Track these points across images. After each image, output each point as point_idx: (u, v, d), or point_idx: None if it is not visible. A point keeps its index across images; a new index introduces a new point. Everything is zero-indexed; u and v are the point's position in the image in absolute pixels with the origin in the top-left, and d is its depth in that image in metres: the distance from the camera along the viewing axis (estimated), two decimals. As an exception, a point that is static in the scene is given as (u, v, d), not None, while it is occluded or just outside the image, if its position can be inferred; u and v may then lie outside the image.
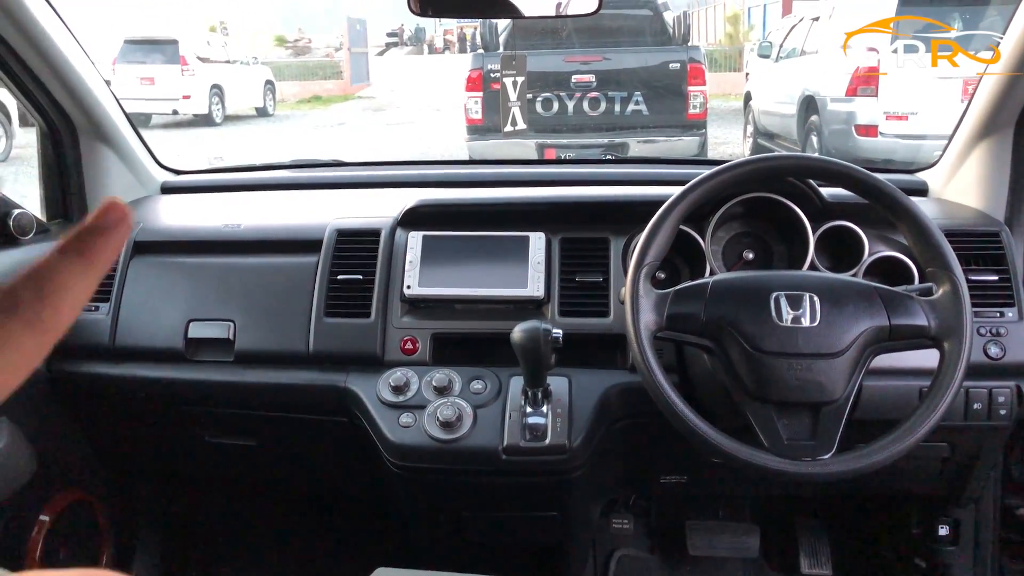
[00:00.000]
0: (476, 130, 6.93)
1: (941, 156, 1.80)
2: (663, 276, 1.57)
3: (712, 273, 1.47)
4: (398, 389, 1.47)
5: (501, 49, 7.04)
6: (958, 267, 1.23)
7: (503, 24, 7.09)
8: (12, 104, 8.59)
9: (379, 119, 14.17)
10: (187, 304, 1.62)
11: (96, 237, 0.40)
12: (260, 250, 1.66)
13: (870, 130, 6.26)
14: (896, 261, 1.49)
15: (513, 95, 6.58)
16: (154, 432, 1.78)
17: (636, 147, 6.66)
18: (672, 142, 6.73)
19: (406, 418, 1.44)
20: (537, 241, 1.56)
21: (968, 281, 1.24)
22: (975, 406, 1.45)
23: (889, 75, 6.13)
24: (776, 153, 1.47)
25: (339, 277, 1.58)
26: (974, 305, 1.24)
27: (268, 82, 15.08)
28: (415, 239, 1.58)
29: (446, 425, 1.41)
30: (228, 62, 14.15)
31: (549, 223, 1.60)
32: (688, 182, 1.32)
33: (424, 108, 14.68)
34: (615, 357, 1.52)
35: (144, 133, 1.98)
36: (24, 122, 8.50)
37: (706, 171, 1.32)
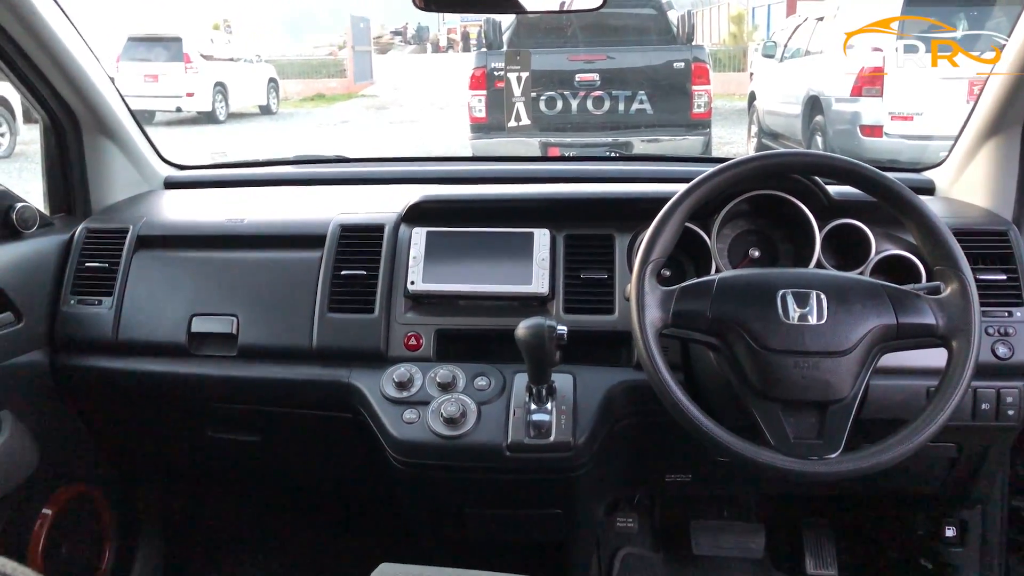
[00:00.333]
0: (480, 128, 6.92)
1: (948, 155, 1.79)
2: (668, 273, 1.56)
3: (718, 270, 1.46)
4: (402, 385, 1.46)
5: (505, 47, 7.03)
6: (967, 266, 1.22)
7: (507, 22, 7.09)
8: (16, 100, 8.61)
9: (382, 117, 14.16)
10: (190, 299, 1.61)
11: None
12: (263, 245, 1.66)
13: (875, 130, 6.25)
14: (903, 259, 1.48)
15: (517, 90, 6.57)
16: (156, 427, 1.77)
17: (640, 146, 6.64)
18: (676, 141, 6.72)
19: (410, 414, 1.43)
20: (542, 238, 1.55)
21: (976, 280, 1.23)
22: (983, 406, 1.44)
23: (893, 75, 6.12)
24: (783, 150, 1.46)
25: (343, 273, 1.57)
26: (982, 304, 1.23)
27: (272, 80, 15.08)
28: (419, 235, 1.57)
29: (450, 421, 1.40)
30: (232, 60, 14.15)
31: (554, 220, 1.59)
32: (694, 179, 1.31)
33: (427, 106, 14.68)
34: (620, 354, 1.51)
35: (148, 130, 1.98)
36: (28, 118, 8.52)
37: (712, 168, 1.31)
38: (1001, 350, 1.44)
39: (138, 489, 1.99)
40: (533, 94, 6.71)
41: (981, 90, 1.66)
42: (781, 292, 1.23)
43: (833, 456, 1.17)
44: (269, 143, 11.08)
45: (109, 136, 1.84)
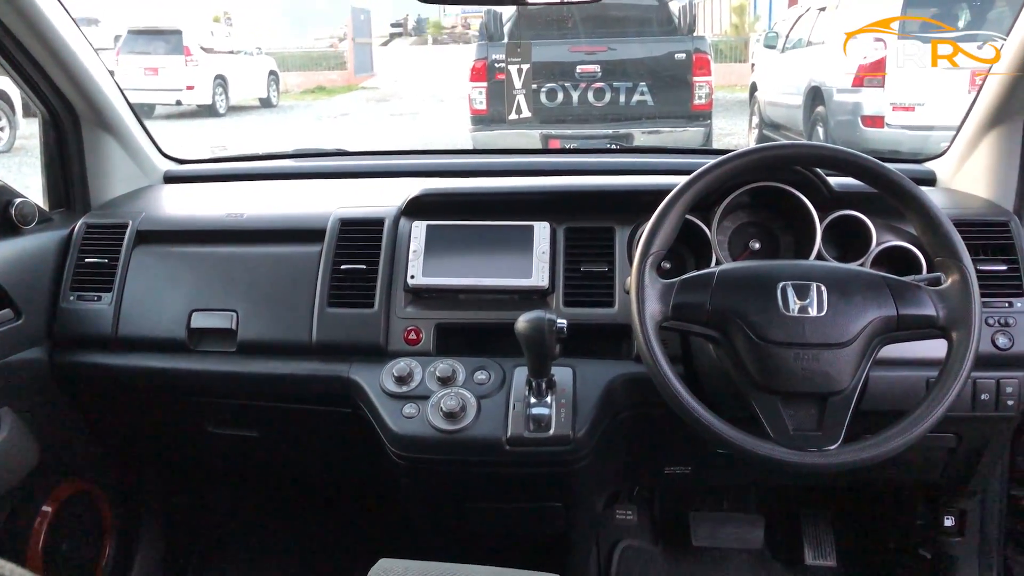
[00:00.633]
0: (480, 120, 6.91)
1: (950, 146, 1.78)
2: (668, 266, 1.56)
3: (718, 263, 1.46)
4: (401, 379, 1.46)
5: (505, 39, 7.01)
6: (967, 256, 1.22)
7: (507, 14, 7.07)
8: (16, 94, 8.60)
9: (383, 109, 14.13)
10: (190, 294, 1.61)
11: None
12: (263, 239, 1.65)
13: (876, 121, 6.23)
14: (904, 251, 1.48)
15: (518, 83, 6.56)
16: (156, 422, 1.78)
17: (641, 138, 6.63)
18: (677, 133, 6.71)
19: (409, 408, 1.43)
20: (542, 231, 1.55)
21: (977, 271, 1.23)
22: (983, 397, 1.44)
23: (894, 66, 6.09)
24: (783, 141, 1.45)
25: (342, 267, 1.57)
26: (982, 295, 1.23)
27: (272, 72, 15.03)
28: (419, 228, 1.57)
29: (450, 415, 1.40)
30: (232, 52, 14.11)
31: (554, 212, 1.59)
32: (694, 171, 1.31)
33: (428, 98, 14.65)
34: (620, 347, 1.51)
35: (148, 123, 1.97)
36: (28, 112, 8.50)
37: (712, 160, 1.31)
38: (1001, 340, 1.44)
39: (138, 485, 1.99)
40: (534, 86, 6.70)
41: (983, 81, 1.65)
42: (781, 284, 1.23)
43: (833, 448, 1.17)
44: (269, 136, 11.08)
45: (108, 131, 1.83)
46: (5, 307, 1.54)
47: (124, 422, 1.80)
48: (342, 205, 1.66)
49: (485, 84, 6.77)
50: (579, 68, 6.74)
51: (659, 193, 1.32)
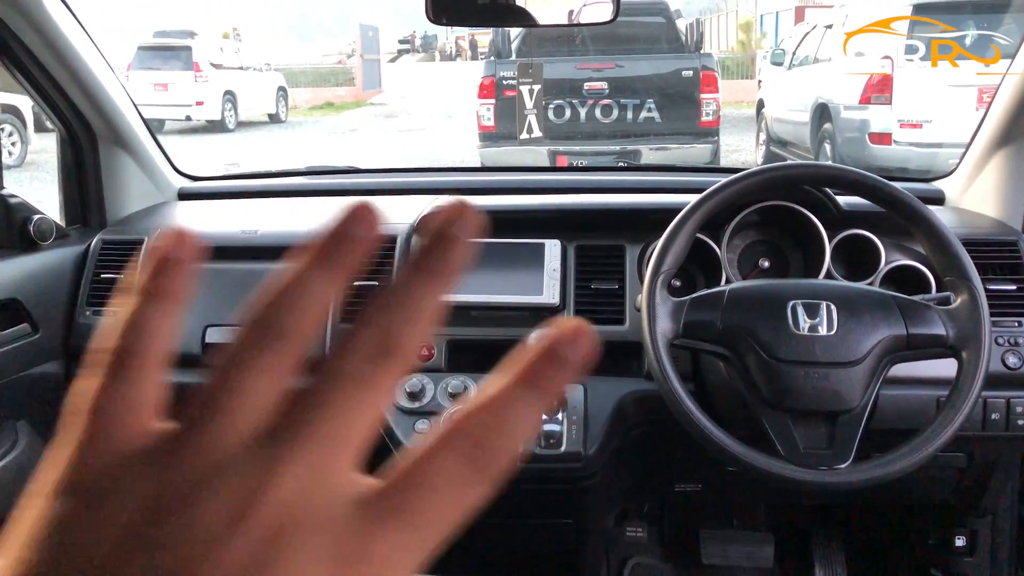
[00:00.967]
0: (488, 137, 6.94)
1: (958, 165, 1.79)
2: (678, 284, 1.57)
3: (728, 281, 1.47)
4: (413, 395, 1.47)
5: (513, 56, 7.05)
6: (976, 276, 1.23)
7: (515, 31, 7.11)
8: (27, 109, 8.67)
9: (391, 125, 14.20)
10: (204, 309, 1.62)
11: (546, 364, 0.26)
12: (277, 256, 1.66)
13: (884, 138, 6.24)
14: (913, 270, 1.48)
15: (529, 103, 6.59)
16: None
17: (649, 154, 6.65)
18: (685, 150, 6.72)
19: (422, 424, 1.44)
20: (553, 248, 1.56)
21: (986, 290, 1.23)
22: (993, 416, 1.44)
23: (901, 82, 6.11)
24: (792, 161, 1.47)
25: (356, 283, 1.58)
26: (992, 314, 1.23)
27: (281, 88, 15.13)
28: None
29: None
30: (241, 68, 14.23)
31: (564, 230, 1.60)
32: (704, 190, 1.32)
33: (436, 114, 14.73)
34: (631, 365, 1.52)
35: (158, 139, 2.00)
36: (39, 127, 8.58)
37: (722, 179, 1.32)
38: (1011, 360, 1.45)
39: None
40: (542, 103, 6.74)
41: (992, 99, 1.67)
42: (791, 303, 1.24)
43: (843, 466, 1.18)
44: (279, 152, 11.14)
45: (124, 148, 1.86)
46: (23, 321, 1.56)
47: None
48: None
49: (493, 101, 6.81)
50: (587, 85, 6.78)
51: (669, 211, 1.33)
